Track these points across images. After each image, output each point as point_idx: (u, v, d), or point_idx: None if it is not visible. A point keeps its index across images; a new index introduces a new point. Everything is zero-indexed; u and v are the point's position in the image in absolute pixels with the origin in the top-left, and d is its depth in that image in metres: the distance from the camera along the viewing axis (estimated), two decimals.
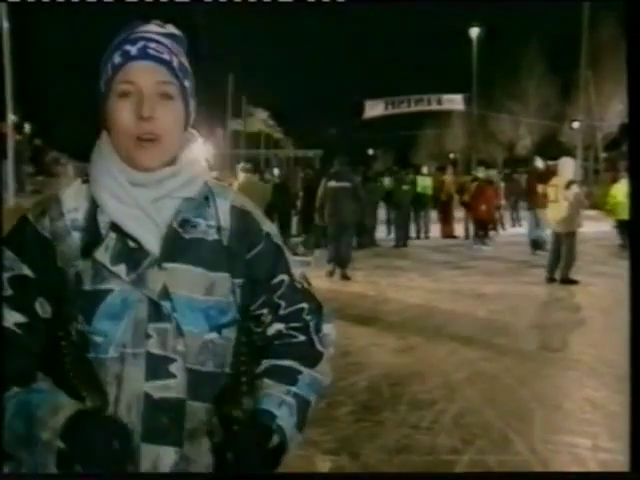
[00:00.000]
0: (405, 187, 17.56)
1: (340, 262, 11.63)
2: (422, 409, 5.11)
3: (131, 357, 1.40)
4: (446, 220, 18.97)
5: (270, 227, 1.57)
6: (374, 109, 27.61)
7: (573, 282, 10.60)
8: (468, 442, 4.51)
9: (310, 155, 38.78)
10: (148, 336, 1.41)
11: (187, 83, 1.48)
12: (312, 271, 12.38)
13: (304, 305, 1.56)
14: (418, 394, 5.50)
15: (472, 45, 36.45)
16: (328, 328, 1.58)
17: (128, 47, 1.43)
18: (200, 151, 1.56)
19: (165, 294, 1.42)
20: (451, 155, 48.47)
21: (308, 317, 1.55)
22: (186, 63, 1.49)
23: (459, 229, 18.45)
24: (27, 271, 1.43)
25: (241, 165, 13.06)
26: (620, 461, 4.20)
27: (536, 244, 14.58)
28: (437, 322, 8.22)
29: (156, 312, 1.41)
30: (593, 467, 4.17)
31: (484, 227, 16.47)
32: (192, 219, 1.47)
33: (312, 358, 1.53)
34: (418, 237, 18.42)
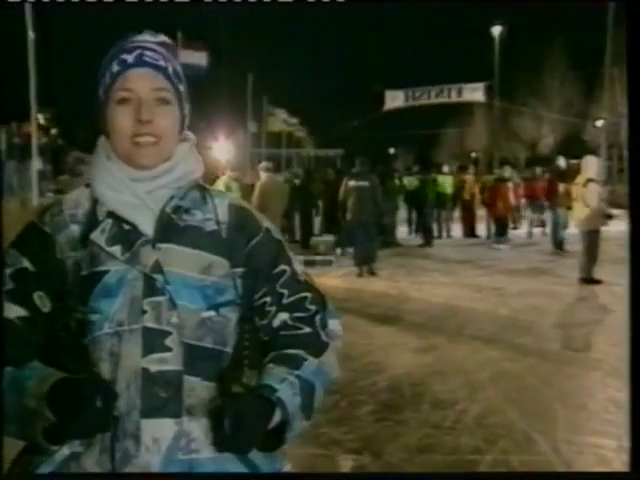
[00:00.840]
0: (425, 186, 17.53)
1: (366, 260, 11.80)
2: (444, 409, 5.09)
3: (128, 334, 1.44)
4: (468, 219, 18.90)
5: (270, 224, 1.62)
6: (394, 100, 27.54)
7: (596, 282, 10.48)
8: (491, 442, 4.49)
9: (331, 154, 38.79)
10: (143, 311, 1.44)
11: (182, 88, 1.55)
12: (334, 270, 12.41)
13: (307, 294, 1.58)
14: (440, 394, 5.49)
15: (494, 43, 36.29)
16: (334, 324, 1.60)
17: (125, 56, 1.50)
18: (192, 150, 1.60)
19: (158, 269, 1.46)
20: (473, 154, 48.23)
21: (312, 307, 1.57)
22: (179, 69, 1.56)
23: (481, 228, 18.37)
24: (27, 264, 1.49)
25: (262, 164, 13.06)
26: None
27: (558, 244, 14.48)
28: (459, 321, 8.19)
29: (150, 287, 1.45)
30: (618, 468, 4.14)
31: (502, 226, 16.37)
32: (185, 206, 1.53)
33: (317, 348, 1.55)
34: (440, 236, 18.37)
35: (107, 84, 1.51)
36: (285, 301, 1.56)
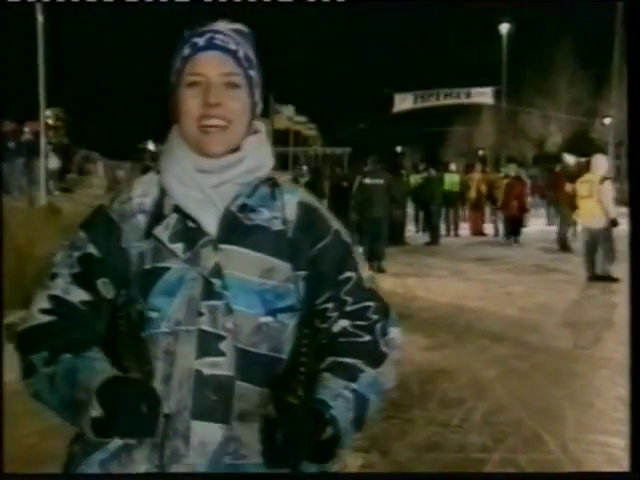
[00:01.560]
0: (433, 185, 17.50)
1: (375, 257, 11.92)
2: (452, 407, 5.09)
3: (184, 334, 1.44)
4: (475, 218, 18.87)
5: (339, 225, 1.58)
6: (403, 102, 27.52)
7: (613, 280, 10.41)
8: (499, 440, 4.48)
9: (338, 152, 38.75)
10: (200, 314, 1.44)
11: (252, 73, 1.52)
12: None
13: (370, 304, 1.54)
14: (448, 392, 5.48)
15: (502, 41, 36.17)
16: (395, 332, 1.57)
17: (196, 39, 1.49)
18: (266, 142, 1.58)
19: (217, 272, 1.45)
20: (480, 152, 48.12)
21: (374, 316, 1.54)
22: (252, 55, 1.54)
23: (488, 227, 18.34)
24: (93, 250, 1.49)
25: None
26: None
27: (563, 242, 14.43)
28: (467, 319, 8.18)
29: (208, 290, 1.44)
30: (627, 467, 4.12)
31: (515, 224, 16.35)
32: (252, 205, 1.50)
33: (376, 358, 1.51)
34: (448, 235, 18.35)
35: (178, 68, 1.50)
36: (348, 309, 1.53)
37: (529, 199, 17.09)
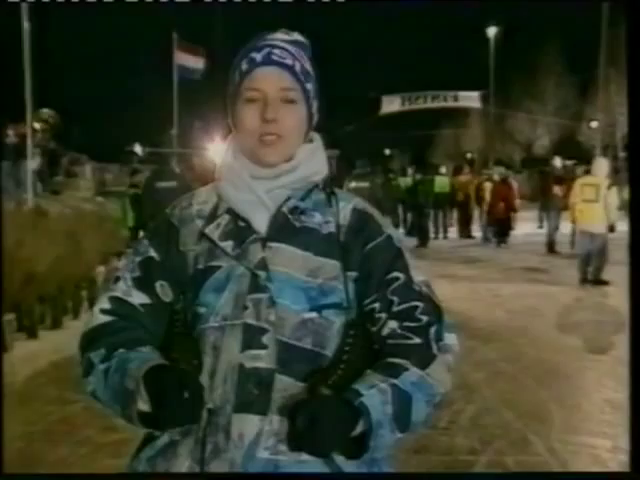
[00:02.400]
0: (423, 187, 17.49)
1: None
2: (440, 409, 5.08)
3: (229, 328, 1.46)
4: (463, 220, 18.92)
5: (393, 231, 1.60)
6: (391, 105, 27.52)
7: (604, 283, 10.44)
8: (486, 443, 4.50)
9: (327, 155, 38.70)
10: (245, 307, 1.46)
11: (309, 86, 1.56)
12: None
13: (418, 304, 1.52)
14: None
15: (489, 44, 36.32)
16: (451, 338, 1.55)
17: (254, 54, 1.53)
18: (320, 151, 1.61)
19: (263, 266, 1.47)
20: (468, 155, 48.26)
21: (424, 317, 1.51)
22: (309, 67, 1.57)
23: (476, 229, 18.39)
24: (153, 253, 1.55)
25: None
26: None
27: (552, 246, 14.47)
28: (455, 321, 8.18)
29: (254, 284, 1.47)
30: (613, 468, 4.14)
31: (502, 226, 16.38)
32: (304, 207, 1.53)
33: (424, 359, 1.48)
34: (436, 237, 18.38)
35: (236, 82, 1.54)
36: (395, 309, 1.51)
37: (517, 201, 17.08)
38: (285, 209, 1.52)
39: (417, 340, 1.49)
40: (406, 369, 1.46)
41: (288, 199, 1.52)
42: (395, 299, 1.52)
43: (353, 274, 1.51)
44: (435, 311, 1.54)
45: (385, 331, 1.51)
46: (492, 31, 36.39)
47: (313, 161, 1.58)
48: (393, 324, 1.51)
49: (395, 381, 1.44)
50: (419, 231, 17.13)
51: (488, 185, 17.12)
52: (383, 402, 1.41)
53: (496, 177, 17.55)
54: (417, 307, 1.52)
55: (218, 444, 1.43)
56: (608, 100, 26.25)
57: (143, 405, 1.37)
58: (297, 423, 1.33)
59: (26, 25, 8.82)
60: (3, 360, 5.86)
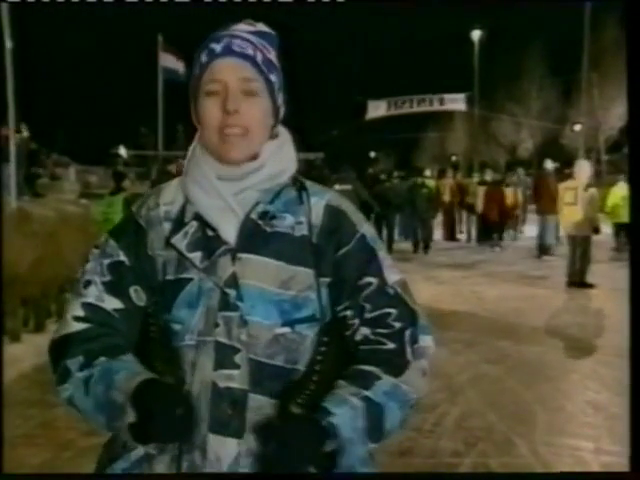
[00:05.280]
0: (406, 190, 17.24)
1: None
2: (424, 412, 5.10)
3: (202, 345, 1.43)
4: (448, 223, 18.96)
5: (367, 229, 1.53)
6: (377, 110, 27.53)
7: (589, 286, 10.50)
8: (471, 445, 4.51)
9: (311, 158, 38.73)
10: (217, 325, 1.42)
11: (273, 78, 1.49)
12: None
13: (391, 310, 1.48)
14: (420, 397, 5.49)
15: (474, 48, 36.49)
16: (425, 340, 1.51)
17: (213, 45, 1.46)
18: (287, 146, 1.55)
19: (233, 282, 1.43)
20: (453, 158, 48.45)
21: (397, 324, 1.48)
22: (273, 58, 1.50)
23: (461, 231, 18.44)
24: (123, 257, 1.49)
25: None
26: (622, 464, 4.19)
27: (543, 249, 14.49)
28: (439, 324, 8.22)
29: (224, 301, 1.43)
30: (595, 469, 4.16)
31: (496, 230, 16.34)
32: (273, 211, 1.48)
33: (397, 366, 1.45)
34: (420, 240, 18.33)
35: (197, 75, 1.48)
36: (367, 315, 1.47)
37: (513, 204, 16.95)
38: (254, 215, 1.46)
39: (391, 346, 1.46)
40: (379, 378, 1.43)
41: (257, 204, 1.47)
42: (367, 306, 1.48)
43: (326, 280, 1.47)
44: (409, 314, 1.51)
45: (358, 337, 1.48)
46: (476, 34, 36.57)
47: (280, 158, 1.51)
48: (365, 330, 1.48)
49: (367, 393, 1.41)
50: (415, 236, 16.35)
51: (480, 189, 16.95)
52: (354, 417, 1.38)
53: (488, 179, 17.52)
54: (390, 314, 1.48)
55: (194, 462, 1.41)
56: (591, 103, 26.42)
57: (134, 419, 1.33)
58: (266, 448, 1.33)
59: (7, 25, 8.77)
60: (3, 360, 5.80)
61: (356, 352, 1.48)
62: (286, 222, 1.47)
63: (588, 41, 24.83)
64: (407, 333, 1.48)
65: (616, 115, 34.75)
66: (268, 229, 1.46)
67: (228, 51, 1.45)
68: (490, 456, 4.35)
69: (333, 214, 1.51)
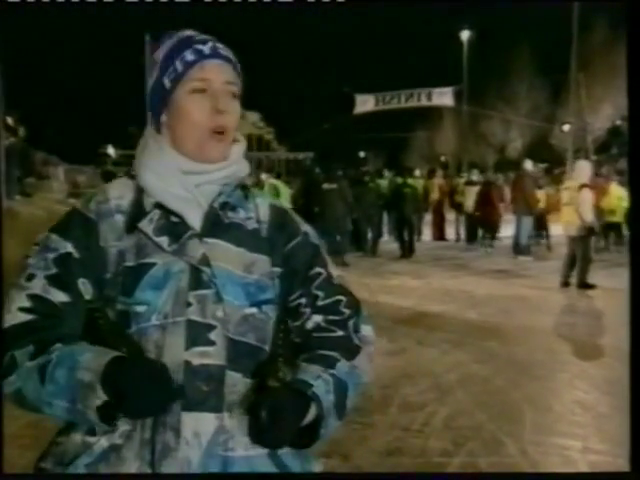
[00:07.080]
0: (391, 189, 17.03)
1: (338, 252, 12.39)
2: (413, 411, 5.11)
3: (171, 326, 1.43)
4: (437, 223, 18.99)
5: (308, 228, 1.64)
6: (364, 104, 27.46)
7: (590, 287, 10.45)
8: (459, 444, 4.51)
9: (301, 157, 38.77)
10: (188, 304, 1.44)
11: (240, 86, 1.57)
12: None
13: (342, 297, 1.59)
14: (409, 397, 5.51)
15: (463, 48, 36.59)
16: (367, 330, 1.61)
17: (200, 46, 1.50)
18: (244, 149, 1.62)
19: (206, 262, 1.47)
20: (442, 157, 48.53)
21: (346, 311, 1.58)
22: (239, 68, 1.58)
23: (450, 232, 18.48)
24: (71, 249, 1.48)
25: None
26: (610, 462, 4.22)
27: (518, 249, 14.49)
28: (428, 324, 8.23)
29: (197, 280, 1.45)
30: (583, 469, 4.18)
31: (490, 230, 16.34)
32: (232, 203, 1.55)
33: (350, 351, 1.55)
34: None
35: (179, 73, 1.49)
36: (320, 303, 1.57)
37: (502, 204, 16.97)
38: (216, 205, 1.52)
39: (340, 333, 1.56)
40: (338, 360, 1.52)
41: (219, 195, 1.53)
42: (320, 294, 1.57)
43: (277, 270, 1.55)
44: (355, 303, 1.61)
45: (309, 325, 1.56)
46: (466, 35, 36.67)
47: (242, 160, 1.59)
48: (318, 318, 1.57)
49: (333, 371, 1.50)
50: (401, 240, 15.56)
51: (473, 189, 16.92)
52: (327, 391, 1.47)
53: (474, 178, 17.48)
54: (341, 301, 1.59)
55: (168, 443, 1.41)
56: (579, 104, 26.53)
57: (103, 397, 1.31)
58: (261, 418, 1.34)
59: None
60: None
61: (309, 340, 1.56)
62: (240, 215, 1.55)
63: (576, 41, 24.94)
64: (351, 322, 1.58)
65: (604, 116, 34.87)
66: (226, 220, 1.53)
67: (216, 53, 1.51)
68: (479, 455, 4.35)
69: (279, 212, 1.61)
